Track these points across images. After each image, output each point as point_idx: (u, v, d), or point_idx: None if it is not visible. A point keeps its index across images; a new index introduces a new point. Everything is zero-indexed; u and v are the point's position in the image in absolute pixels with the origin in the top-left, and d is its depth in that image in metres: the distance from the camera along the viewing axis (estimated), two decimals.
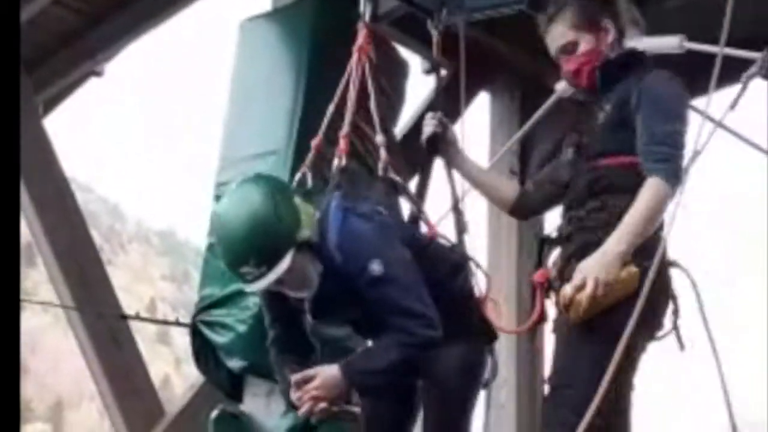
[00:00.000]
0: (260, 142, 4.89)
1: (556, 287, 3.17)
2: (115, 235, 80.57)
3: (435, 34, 3.81)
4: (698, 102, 3.37)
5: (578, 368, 3.02)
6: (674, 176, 3.02)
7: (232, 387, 4.75)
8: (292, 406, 3.21)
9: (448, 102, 4.07)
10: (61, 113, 7.26)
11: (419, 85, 5.67)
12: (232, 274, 3.12)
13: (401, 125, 5.58)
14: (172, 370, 58.37)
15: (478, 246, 3.72)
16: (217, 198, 4.68)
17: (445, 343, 3.06)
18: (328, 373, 3.07)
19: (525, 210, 3.68)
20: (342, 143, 3.61)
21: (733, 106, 3.94)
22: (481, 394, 3.38)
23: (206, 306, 4.78)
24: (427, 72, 6.30)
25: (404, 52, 5.67)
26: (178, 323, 5.74)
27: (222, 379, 4.78)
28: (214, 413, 4.56)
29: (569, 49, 3.30)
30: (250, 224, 3.00)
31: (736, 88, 4.35)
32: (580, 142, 3.31)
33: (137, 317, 5.99)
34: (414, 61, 6.03)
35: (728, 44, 3.16)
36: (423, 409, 3.27)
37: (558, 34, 3.31)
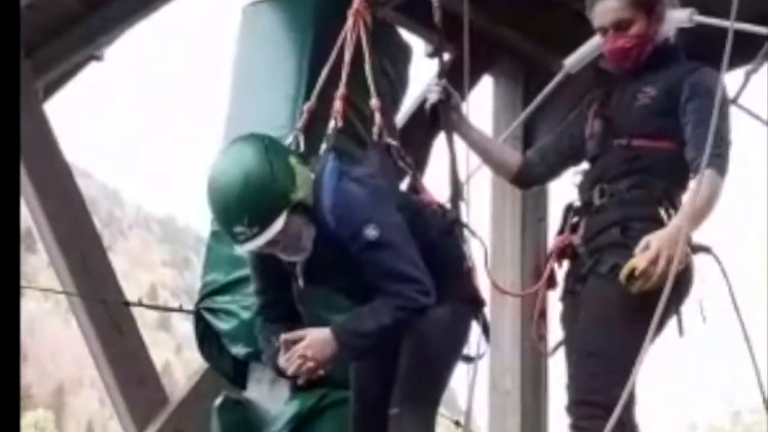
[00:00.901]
0: (262, 128, 4.80)
1: (581, 252, 3.28)
2: (114, 221, 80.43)
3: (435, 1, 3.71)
4: None
5: (610, 339, 3.10)
6: (725, 171, 3.18)
7: (236, 374, 4.72)
8: (279, 373, 3.15)
9: (452, 85, 4.01)
10: (61, 98, 7.23)
11: (423, 68, 5.62)
12: (233, 253, 3.04)
13: (405, 108, 5.53)
14: (173, 357, 58.44)
15: (481, 222, 3.72)
16: None
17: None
18: (318, 333, 3.03)
19: (528, 179, 3.71)
20: (337, 104, 3.57)
21: (735, 100, 4.07)
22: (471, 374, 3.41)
23: (210, 292, 4.75)
24: (431, 56, 6.25)
25: (407, 36, 5.64)
26: (181, 309, 5.71)
27: (226, 366, 4.74)
28: (218, 400, 4.55)
29: (623, 26, 3.32)
30: (244, 182, 2.95)
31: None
32: (608, 116, 3.36)
33: (140, 304, 5.95)
34: (417, 45, 6.00)
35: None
36: (399, 363, 3.18)
37: (616, 6, 3.31)
